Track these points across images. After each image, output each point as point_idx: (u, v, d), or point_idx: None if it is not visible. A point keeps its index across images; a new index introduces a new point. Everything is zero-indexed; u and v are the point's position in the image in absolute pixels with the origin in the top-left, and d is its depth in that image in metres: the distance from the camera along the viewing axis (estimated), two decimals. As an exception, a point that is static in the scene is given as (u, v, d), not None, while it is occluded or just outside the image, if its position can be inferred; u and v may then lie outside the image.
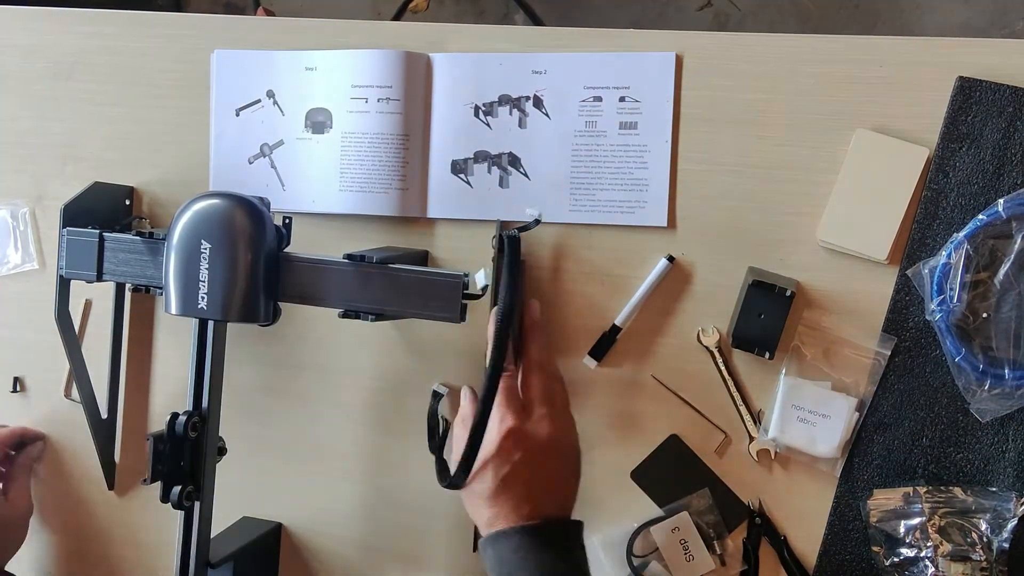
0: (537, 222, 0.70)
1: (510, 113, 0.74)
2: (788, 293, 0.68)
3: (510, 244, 0.67)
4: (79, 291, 0.77)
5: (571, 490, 0.65)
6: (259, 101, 0.78)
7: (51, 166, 0.82)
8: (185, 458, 0.67)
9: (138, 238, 0.72)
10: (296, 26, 0.78)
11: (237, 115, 0.78)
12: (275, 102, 0.77)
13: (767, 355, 0.69)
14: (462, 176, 0.75)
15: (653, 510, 0.72)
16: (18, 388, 0.84)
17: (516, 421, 0.62)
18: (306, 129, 0.77)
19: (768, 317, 0.68)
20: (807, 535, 0.70)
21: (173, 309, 0.67)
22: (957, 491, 0.66)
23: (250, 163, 0.78)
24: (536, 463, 0.62)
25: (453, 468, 0.62)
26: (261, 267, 0.67)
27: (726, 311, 0.70)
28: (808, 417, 0.68)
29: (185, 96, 0.79)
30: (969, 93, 0.66)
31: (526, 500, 0.61)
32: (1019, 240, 0.65)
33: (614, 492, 0.73)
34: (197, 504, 0.67)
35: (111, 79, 0.81)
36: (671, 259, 0.71)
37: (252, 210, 0.67)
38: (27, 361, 0.84)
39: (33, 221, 0.83)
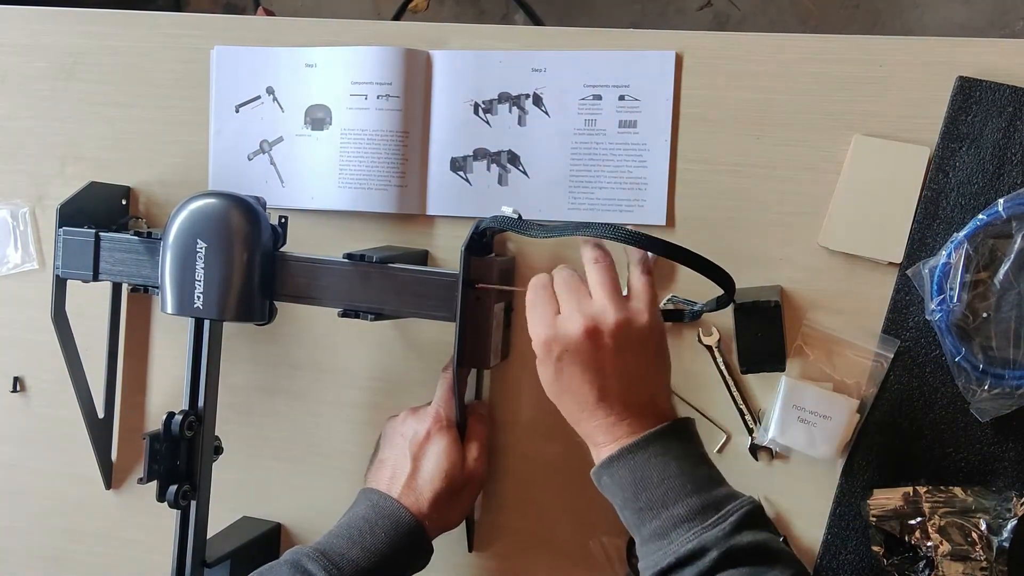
0: (519, 218, 0.67)
1: (509, 111, 0.74)
2: (773, 304, 0.68)
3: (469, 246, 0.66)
4: (77, 291, 0.76)
5: (664, 379, 0.61)
6: (259, 97, 0.78)
7: (51, 166, 0.82)
8: (181, 457, 0.67)
9: (135, 238, 0.72)
10: (296, 26, 0.78)
11: (237, 112, 0.78)
12: (275, 99, 0.77)
13: (779, 368, 0.69)
14: (461, 173, 0.75)
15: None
16: (18, 388, 0.84)
17: (587, 315, 0.57)
18: (306, 126, 0.77)
19: (764, 334, 0.69)
20: (807, 535, 0.70)
21: (169, 308, 0.67)
22: (957, 491, 0.66)
23: (249, 160, 0.78)
24: (615, 355, 0.57)
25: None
26: (257, 266, 0.67)
27: (726, 311, 0.70)
28: (809, 418, 0.68)
29: (185, 96, 0.79)
30: (969, 93, 0.66)
31: (625, 392, 0.57)
32: (1019, 240, 0.65)
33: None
34: (193, 503, 0.67)
35: (111, 79, 0.81)
36: None
37: (248, 209, 0.67)
38: (27, 361, 0.84)
39: (33, 221, 0.83)
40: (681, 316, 0.69)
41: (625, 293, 0.60)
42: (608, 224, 0.59)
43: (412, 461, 0.67)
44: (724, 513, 0.53)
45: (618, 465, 0.56)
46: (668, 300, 0.71)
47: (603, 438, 0.58)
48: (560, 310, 0.59)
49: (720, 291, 0.61)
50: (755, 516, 0.54)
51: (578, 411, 0.59)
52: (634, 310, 0.58)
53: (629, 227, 0.59)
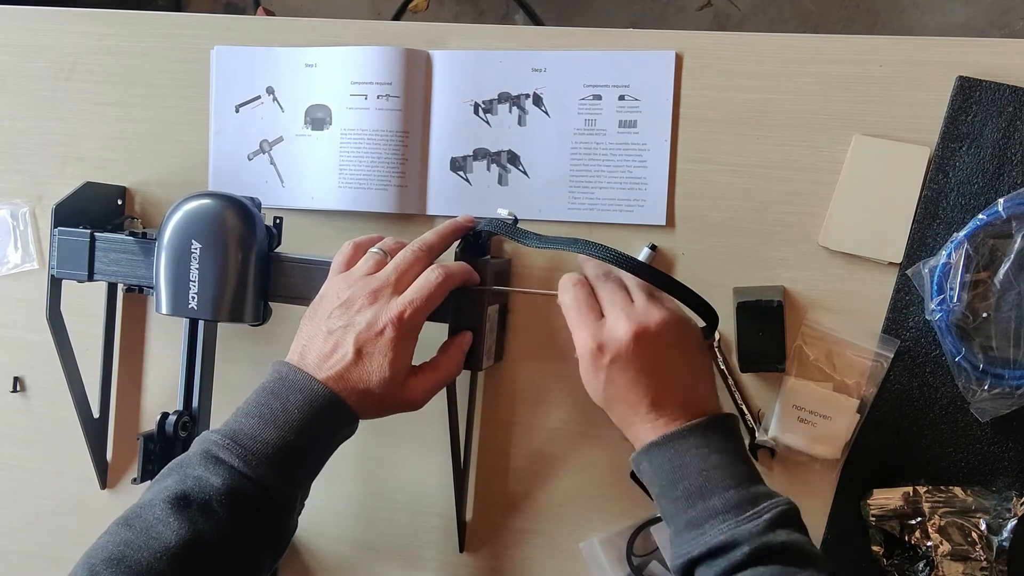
0: (515, 221, 0.68)
1: (510, 111, 0.74)
2: (776, 303, 0.68)
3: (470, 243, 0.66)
4: (74, 291, 0.76)
5: (709, 375, 0.61)
6: (259, 97, 0.78)
7: (51, 166, 0.82)
8: (175, 458, 0.67)
9: (130, 238, 0.72)
10: (296, 26, 0.78)
11: (237, 112, 0.78)
12: (275, 99, 0.77)
13: (779, 368, 0.69)
14: (461, 173, 0.75)
15: (653, 510, 0.72)
16: (18, 388, 0.84)
17: (633, 318, 0.57)
18: (306, 126, 0.77)
19: (766, 332, 0.68)
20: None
21: (164, 309, 0.68)
22: (957, 491, 0.66)
23: (249, 160, 0.78)
24: (665, 356, 0.57)
25: None
26: (251, 267, 0.67)
27: (726, 311, 0.70)
28: (809, 418, 0.68)
29: (185, 96, 0.79)
30: (969, 93, 0.66)
31: (674, 394, 0.57)
32: (1019, 240, 0.65)
33: (614, 492, 0.73)
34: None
35: (111, 79, 0.81)
36: (653, 247, 0.71)
37: (242, 210, 0.67)
38: (27, 361, 0.84)
39: (33, 221, 0.83)
40: None
41: None
42: (600, 244, 0.60)
43: (355, 354, 0.59)
44: (759, 510, 0.52)
45: (658, 452, 0.56)
46: None
47: (654, 436, 0.57)
48: (603, 314, 0.59)
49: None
50: (790, 516, 0.54)
51: (631, 415, 0.58)
52: (673, 308, 0.59)
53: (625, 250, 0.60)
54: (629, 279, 0.61)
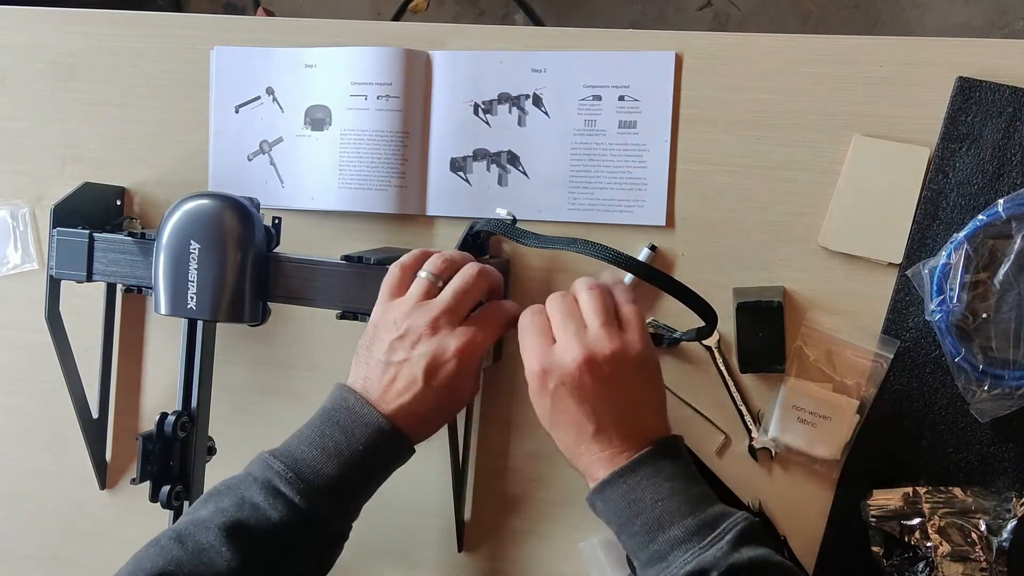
0: (514, 220, 0.68)
1: (509, 111, 0.74)
2: (776, 304, 0.68)
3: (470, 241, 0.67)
4: (73, 291, 0.76)
5: (660, 406, 0.59)
6: (259, 98, 0.78)
7: (50, 166, 0.82)
8: (174, 458, 0.67)
9: (129, 238, 0.72)
10: (295, 26, 0.78)
11: (236, 112, 0.78)
12: (275, 99, 0.77)
13: (779, 368, 0.69)
14: (461, 174, 0.75)
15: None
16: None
17: (583, 345, 0.56)
18: (305, 126, 0.77)
19: (766, 333, 0.68)
20: (807, 535, 0.70)
21: (162, 309, 0.68)
22: (957, 491, 0.66)
23: (249, 160, 0.78)
24: (613, 387, 0.56)
25: None
26: (250, 267, 0.67)
27: (726, 311, 0.70)
28: (809, 418, 0.68)
29: (184, 96, 0.79)
30: (969, 93, 0.66)
31: (618, 428, 0.56)
32: (1019, 240, 0.65)
33: (613, 492, 0.73)
34: (186, 504, 0.67)
35: (110, 79, 0.81)
36: (653, 248, 0.71)
37: (241, 211, 0.67)
38: (26, 361, 0.84)
39: (33, 221, 0.83)
40: (660, 341, 0.70)
41: None
42: (599, 244, 0.60)
43: (423, 386, 0.60)
44: (720, 532, 0.52)
45: (610, 490, 0.56)
46: (648, 323, 0.71)
47: (601, 471, 0.56)
48: (555, 339, 0.58)
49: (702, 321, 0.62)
50: (751, 531, 0.54)
51: (575, 444, 0.58)
52: (628, 340, 0.58)
53: (621, 250, 0.59)
54: (588, 307, 0.59)
